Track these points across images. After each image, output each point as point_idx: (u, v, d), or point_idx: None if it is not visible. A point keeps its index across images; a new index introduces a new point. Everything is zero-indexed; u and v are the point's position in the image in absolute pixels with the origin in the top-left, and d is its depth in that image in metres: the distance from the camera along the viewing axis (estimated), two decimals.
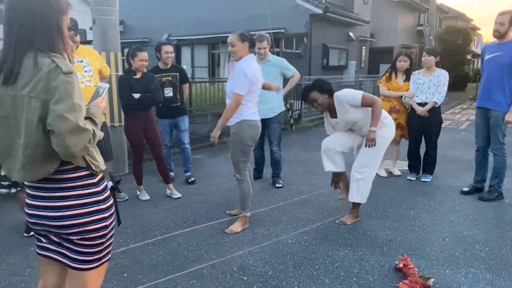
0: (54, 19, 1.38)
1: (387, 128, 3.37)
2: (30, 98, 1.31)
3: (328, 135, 3.56)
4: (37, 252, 1.61)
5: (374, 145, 3.19)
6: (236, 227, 3.31)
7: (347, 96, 3.24)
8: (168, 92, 4.38)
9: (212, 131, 3.21)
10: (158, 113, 4.53)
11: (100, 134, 1.43)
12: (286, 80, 4.56)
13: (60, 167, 1.41)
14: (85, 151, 1.37)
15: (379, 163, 3.46)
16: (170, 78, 4.42)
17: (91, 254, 1.50)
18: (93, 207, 1.46)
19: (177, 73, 4.49)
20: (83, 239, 1.46)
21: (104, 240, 1.52)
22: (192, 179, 4.70)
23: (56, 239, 1.51)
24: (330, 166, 3.43)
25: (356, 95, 3.22)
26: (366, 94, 3.22)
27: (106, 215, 1.50)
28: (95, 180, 1.49)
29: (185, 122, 4.65)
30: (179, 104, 4.50)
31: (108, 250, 1.58)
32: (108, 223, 1.51)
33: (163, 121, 4.53)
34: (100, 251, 1.53)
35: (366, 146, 3.24)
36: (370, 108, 3.21)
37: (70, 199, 1.43)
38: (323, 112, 3.49)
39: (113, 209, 1.56)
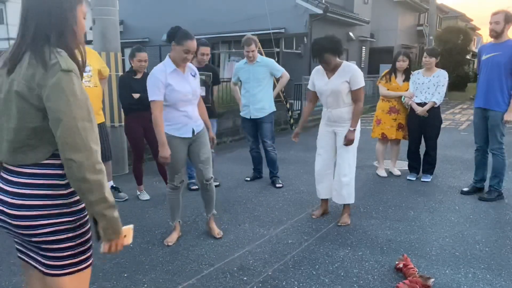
0: (69, 8, 1.30)
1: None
2: (28, 89, 1.25)
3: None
4: (17, 256, 1.50)
5: (351, 144, 3.32)
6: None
7: (355, 73, 3.25)
8: (201, 91, 4.16)
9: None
10: None
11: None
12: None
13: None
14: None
15: (355, 158, 3.49)
16: (203, 77, 4.09)
17: (60, 259, 1.36)
18: (54, 210, 1.33)
19: (211, 73, 4.26)
20: (45, 242, 1.33)
21: (73, 244, 1.37)
22: (217, 183, 4.45)
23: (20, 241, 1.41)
24: (323, 195, 3.61)
25: (361, 82, 3.27)
26: (363, 91, 3.30)
27: (71, 219, 1.36)
28: (63, 182, 1.35)
29: (214, 126, 4.17)
30: (209, 105, 4.04)
31: (85, 256, 1.42)
32: (73, 226, 1.37)
33: None
34: (73, 256, 1.38)
35: (344, 144, 3.34)
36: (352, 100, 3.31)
37: (31, 198, 1.30)
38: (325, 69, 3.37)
39: (83, 213, 1.40)
